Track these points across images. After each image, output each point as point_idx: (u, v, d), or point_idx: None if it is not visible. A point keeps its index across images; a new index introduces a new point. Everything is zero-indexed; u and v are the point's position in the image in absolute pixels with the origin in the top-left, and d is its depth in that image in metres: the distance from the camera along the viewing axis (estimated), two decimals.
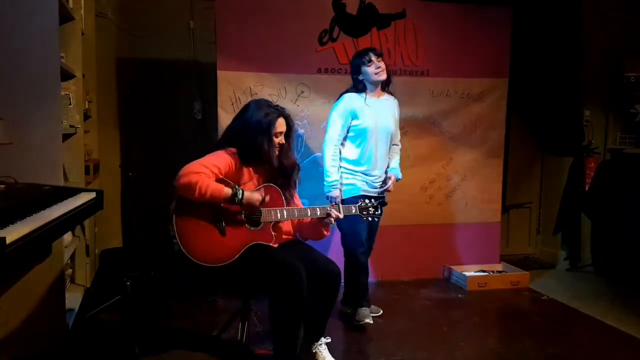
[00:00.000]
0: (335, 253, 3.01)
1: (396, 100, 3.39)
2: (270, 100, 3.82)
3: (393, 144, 3.39)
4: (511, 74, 4.34)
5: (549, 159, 5.02)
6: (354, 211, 2.67)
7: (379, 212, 2.72)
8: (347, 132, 3.22)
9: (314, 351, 2.64)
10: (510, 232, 5.06)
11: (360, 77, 3.23)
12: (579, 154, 4.62)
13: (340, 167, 3.23)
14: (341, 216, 2.60)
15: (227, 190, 2.37)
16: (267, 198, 2.46)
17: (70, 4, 3.13)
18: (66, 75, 3.09)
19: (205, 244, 2.38)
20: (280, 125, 2.56)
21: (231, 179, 2.47)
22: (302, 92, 3.95)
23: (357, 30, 4.00)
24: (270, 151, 2.52)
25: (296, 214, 2.58)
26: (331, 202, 3.15)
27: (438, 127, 4.19)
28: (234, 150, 2.52)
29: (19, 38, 2.45)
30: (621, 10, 4.43)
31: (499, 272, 4.31)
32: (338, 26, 3.96)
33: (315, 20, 3.93)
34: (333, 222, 2.60)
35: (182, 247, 2.34)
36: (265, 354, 2.73)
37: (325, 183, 3.21)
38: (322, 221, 2.61)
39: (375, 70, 3.17)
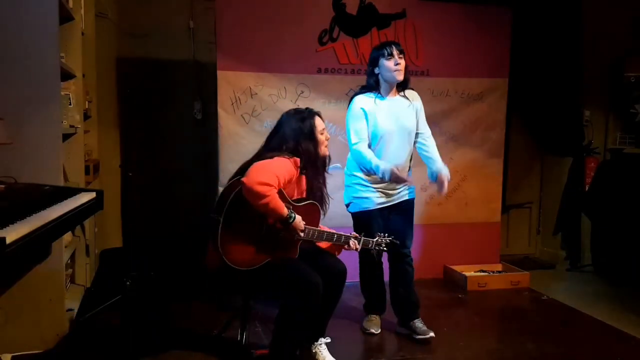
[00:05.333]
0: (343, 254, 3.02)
1: (414, 98, 3.11)
2: (271, 100, 3.87)
3: (422, 141, 3.13)
4: (511, 74, 4.34)
5: (549, 159, 5.02)
6: (370, 246, 2.75)
7: (388, 249, 2.82)
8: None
9: (314, 351, 2.65)
10: (510, 232, 5.06)
11: (376, 71, 3.00)
12: (579, 154, 4.62)
13: (353, 175, 3.08)
14: (358, 249, 2.69)
15: (285, 211, 2.38)
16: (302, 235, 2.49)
17: (70, 4, 3.13)
18: (66, 75, 3.09)
19: (241, 247, 2.40)
20: (320, 123, 2.63)
21: (287, 188, 2.49)
22: (302, 92, 3.95)
23: (357, 30, 4.00)
24: (320, 151, 2.60)
25: (324, 237, 2.60)
26: (386, 178, 2.89)
27: (438, 127, 4.18)
28: (298, 161, 2.51)
29: (19, 38, 2.45)
30: (621, 10, 4.43)
31: (499, 272, 4.31)
32: (338, 26, 3.96)
33: (315, 20, 3.93)
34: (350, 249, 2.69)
35: (219, 247, 2.35)
36: (265, 354, 2.73)
37: (379, 172, 2.88)
38: (340, 247, 2.70)
39: (394, 66, 2.93)
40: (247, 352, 2.70)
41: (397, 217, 3.09)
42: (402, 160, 3.06)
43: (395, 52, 2.94)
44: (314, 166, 2.58)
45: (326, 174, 2.74)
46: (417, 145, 3.15)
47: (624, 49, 4.45)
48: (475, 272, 4.25)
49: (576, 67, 4.50)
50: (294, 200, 2.52)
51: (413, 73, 4.05)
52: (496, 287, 4.05)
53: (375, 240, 2.75)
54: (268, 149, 2.59)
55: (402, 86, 3.07)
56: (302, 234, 2.47)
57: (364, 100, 3.02)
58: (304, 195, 2.61)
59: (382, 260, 3.17)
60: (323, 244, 2.71)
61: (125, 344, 2.90)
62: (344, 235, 2.64)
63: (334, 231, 2.64)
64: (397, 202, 3.08)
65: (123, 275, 3.56)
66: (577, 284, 4.30)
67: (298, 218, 2.44)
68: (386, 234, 2.80)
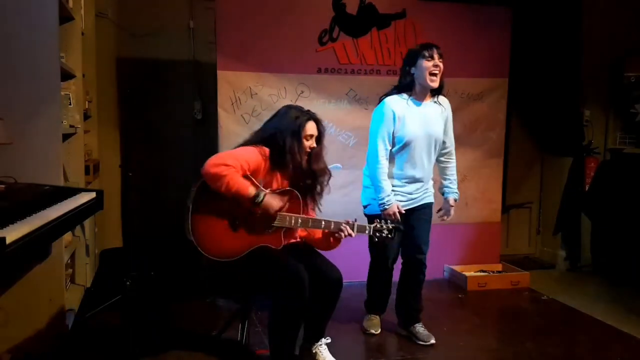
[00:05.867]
0: (339, 257, 2.98)
1: (447, 106, 3.06)
2: (271, 100, 3.87)
3: (445, 155, 3.10)
4: (511, 74, 4.34)
5: (549, 159, 5.02)
6: (367, 232, 2.62)
7: (392, 235, 2.64)
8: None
9: (314, 351, 2.65)
10: (510, 232, 5.06)
11: (412, 71, 2.89)
12: (579, 154, 4.62)
13: None
14: (353, 235, 2.57)
15: (252, 190, 2.39)
16: (285, 208, 2.48)
17: (70, 4, 3.13)
18: (66, 75, 3.09)
19: (216, 238, 2.41)
20: (311, 128, 2.57)
21: (257, 178, 2.48)
22: (302, 92, 3.95)
23: (357, 30, 4.00)
24: (299, 153, 2.53)
25: (310, 224, 2.56)
26: (386, 220, 2.85)
27: None
28: (267, 151, 2.52)
29: (19, 38, 2.44)
30: (621, 10, 4.43)
31: (499, 272, 4.31)
32: (338, 26, 3.96)
33: (315, 20, 3.93)
34: (343, 237, 2.58)
35: (192, 238, 2.37)
36: (266, 353, 2.73)
37: (378, 201, 2.91)
38: (333, 235, 2.60)
39: (433, 68, 2.82)
40: (247, 352, 2.70)
41: (417, 221, 3.02)
42: (424, 167, 2.99)
43: (436, 54, 2.84)
44: (284, 162, 2.51)
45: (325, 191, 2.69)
46: (438, 157, 3.10)
47: (624, 49, 4.45)
48: (475, 272, 4.25)
49: (576, 67, 4.50)
50: (269, 192, 2.50)
51: None
52: (496, 287, 4.05)
53: (372, 226, 2.62)
54: (249, 137, 2.65)
55: (436, 91, 2.98)
56: (276, 213, 2.44)
57: (395, 103, 2.92)
58: None
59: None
60: (318, 240, 2.68)
61: (125, 344, 2.90)
62: (334, 221, 2.56)
63: (321, 218, 2.60)
64: (417, 204, 3.01)
65: (123, 275, 3.57)
66: (577, 284, 4.30)
67: (269, 197, 2.42)
68: (388, 221, 2.67)
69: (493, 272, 4.29)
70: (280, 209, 2.46)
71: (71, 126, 3.12)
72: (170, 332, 3.12)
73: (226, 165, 2.35)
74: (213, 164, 2.35)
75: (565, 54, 4.52)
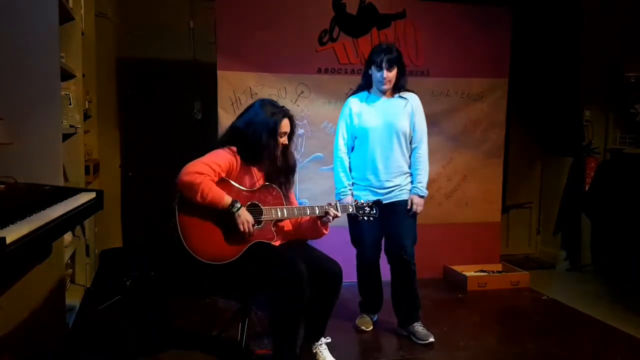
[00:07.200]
0: (338, 253, 2.98)
1: (412, 100, 3.08)
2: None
3: (416, 150, 3.10)
4: (511, 74, 4.34)
5: (549, 159, 5.02)
6: (350, 210, 2.70)
7: (374, 211, 2.71)
8: (355, 137, 3.08)
9: (314, 351, 2.65)
10: (510, 232, 5.06)
11: (370, 72, 3.05)
12: (579, 154, 4.62)
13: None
14: (339, 215, 2.62)
15: (227, 200, 2.38)
16: (254, 232, 2.45)
17: (70, 4, 3.13)
18: (66, 75, 3.09)
19: (208, 241, 2.40)
20: (285, 125, 2.57)
21: (232, 178, 2.49)
22: (302, 92, 3.95)
23: (357, 30, 4.00)
24: (274, 150, 2.55)
25: (296, 212, 2.60)
26: (337, 198, 3.08)
27: (438, 127, 4.19)
28: (234, 148, 2.53)
29: (19, 38, 2.44)
30: (621, 10, 4.43)
31: (499, 272, 4.31)
32: (338, 26, 3.96)
33: (315, 20, 3.93)
34: (332, 220, 2.61)
35: (185, 244, 2.35)
36: (265, 353, 2.73)
37: (336, 191, 3.12)
38: (321, 220, 2.62)
39: (380, 78, 2.96)
40: (247, 352, 2.70)
41: (393, 217, 3.04)
42: (389, 159, 3.02)
43: (385, 65, 2.93)
44: (257, 158, 2.53)
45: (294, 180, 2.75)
46: (410, 156, 3.13)
47: (624, 49, 4.45)
48: (475, 272, 4.25)
49: (576, 67, 4.51)
50: (248, 190, 2.52)
51: (413, 73, 4.06)
52: (496, 287, 4.05)
53: (353, 205, 2.71)
54: (223, 134, 2.70)
55: (397, 88, 3.06)
56: (250, 227, 2.41)
57: (353, 101, 3.10)
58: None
59: (380, 263, 3.16)
60: (306, 230, 2.69)
61: (125, 344, 2.90)
62: (317, 206, 2.60)
63: (304, 206, 2.64)
64: (389, 201, 3.03)
65: (123, 275, 3.57)
66: (577, 284, 4.30)
67: (243, 210, 2.40)
68: (366, 201, 2.76)
69: (493, 272, 4.29)
70: (250, 229, 2.42)
71: (71, 126, 3.12)
72: (170, 331, 3.12)
73: (199, 173, 2.34)
74: (185, 172, 2.35)
75: (565, 54, 4.53)
